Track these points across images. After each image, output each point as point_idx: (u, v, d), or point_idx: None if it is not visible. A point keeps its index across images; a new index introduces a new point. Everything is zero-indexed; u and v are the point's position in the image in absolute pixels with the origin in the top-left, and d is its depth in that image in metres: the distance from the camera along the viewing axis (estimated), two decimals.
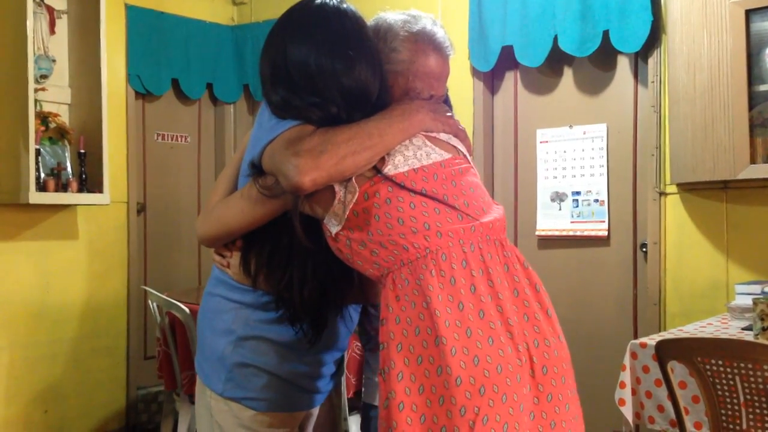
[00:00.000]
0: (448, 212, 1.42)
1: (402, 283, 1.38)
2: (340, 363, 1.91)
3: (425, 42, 1.61)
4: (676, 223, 3.48)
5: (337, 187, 1.43)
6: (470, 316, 1.33)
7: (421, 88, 1.60)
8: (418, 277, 1.36)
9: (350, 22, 1.56)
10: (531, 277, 1.46)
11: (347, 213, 1.42)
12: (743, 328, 2.66)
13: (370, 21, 1.65)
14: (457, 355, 1.29)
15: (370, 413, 2.01)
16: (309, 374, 1.76)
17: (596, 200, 3.79)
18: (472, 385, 1.27)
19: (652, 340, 2.48)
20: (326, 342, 1.78)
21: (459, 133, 1.61)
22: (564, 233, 3.87)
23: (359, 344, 3.08)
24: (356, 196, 1.41)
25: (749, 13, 3.01)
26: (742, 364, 2.09)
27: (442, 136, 1.56)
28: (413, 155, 1.48)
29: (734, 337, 2.45)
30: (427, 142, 1.52)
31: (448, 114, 1.60)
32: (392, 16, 1.65)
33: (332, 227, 1.45)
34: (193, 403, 3.16)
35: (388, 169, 1.43)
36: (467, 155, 1.59)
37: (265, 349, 1.70)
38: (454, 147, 1.56)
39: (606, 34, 3.53)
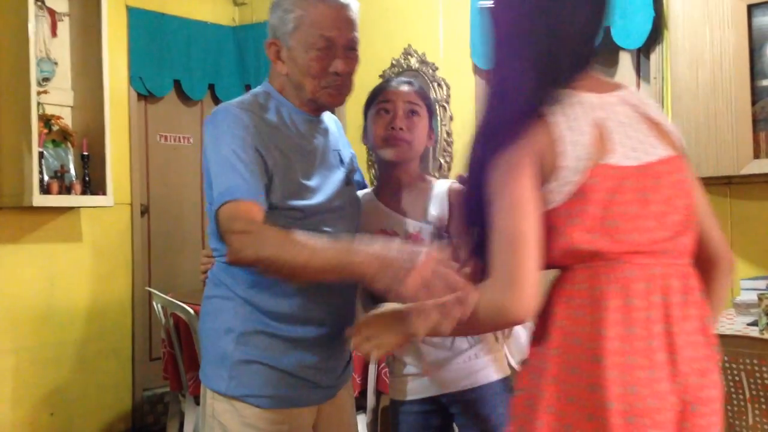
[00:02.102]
0: (652, 226, 1.32)
1: (579, 283, 1.30)
2: (349, 358, 1.91)
3: None
4: None
5: (564, 163, 1.30)
6: (637, 344, 1.26)
7: (318, 35, 1.70)
8: (595, 286, 1.29)
9: None
10: (704, 309, 1.37)
11: (568, 191, 1.29)
12: (749, 324, 2.66)
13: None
14: (615, 380, 1.24)
15: (399, 409, 1.99)
16: (315, 365, 1.75)
17: None
18: (625, 412, 1.23)
19: None
20: (331, 332, 1.78)
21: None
22: None
23: None
24: (584, 176, 1.29)
25: (751, 8, 3.00)
26: (748, 360, 2.09)
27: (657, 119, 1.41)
28: (639, 145, 1.35)
29: (740, 333, 2.45)
30: (649, 132, 1.38)
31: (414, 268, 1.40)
32: None
33: (549, 203, 1.31)
34: (198, 404, 3.16)
35: (617, 159, 1.31)
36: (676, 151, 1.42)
37: (267, 343, 1.71)
38: (672, 140, 1.41)
39: (607, 30, 3.52)
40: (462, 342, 1.93)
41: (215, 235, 1.73)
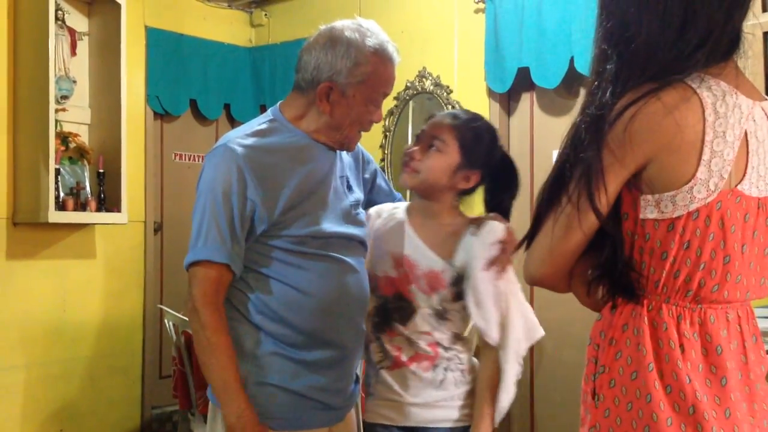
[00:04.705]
0: (752, 271, 1.23)
1: (663, 323, 1.20)
2: (356, 379, 1.91)
3: (382, 53, 1.78)
4: None
5: (701, 174, 1.17)
6: (730, 396, 1.20)
7: (381, 93, 1.79)
8: (682, 331, 1.20)
9: None
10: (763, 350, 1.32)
11: (686, 207, 1.18)
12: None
13: (322, 29, 1.79)
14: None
15: (375, 431, 1.96)
16: (326, 387, 1.76)
17: None
18: None
19: None
20: (341, 355, 1.79)
21: None
22: None
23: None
24: (713, 198, 1.18)
25: (767, 36, 3.00)
26: None
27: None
28: (766, 173, 1.23)
29: None
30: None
31: None
32: (347, 27, 1.77)
33: (651, 213, 1.20)
34: None
35: (746, 186, 1.20)
36: None
37: (280, 366, 1.72)
38: None
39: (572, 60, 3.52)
40: (450, 383, 1.92)
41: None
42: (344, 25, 1.77)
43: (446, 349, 1.92)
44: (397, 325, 1.91)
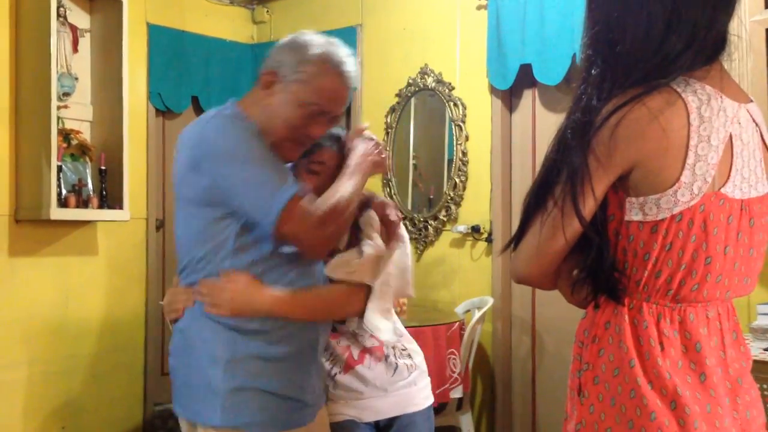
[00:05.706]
0: (736, 271, 1.24)
1: (643, 321, 1.22)
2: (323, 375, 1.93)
3: (333, 65, 1.74)
4: None
5: (685, 178, 1.18)
6: (711, 392, 1.21)
7: (315, 103, 1.72)
8: (662, 330, 1.22)
9: None
10: (744, 346, 1.33)
11: (671, 211, 1.18)
12: (765, 349, 2.63)
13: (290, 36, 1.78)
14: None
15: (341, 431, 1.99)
16: (300, 384, 1.76)
17: None
18: None
19: None
20: (309, 347, 1.79)
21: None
22: None
23: None
24: (697, 201, 1.19)
25: None
26: (765, 386, 2.06)
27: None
28: (750, 175, 1.24)
29: (756, 358, 2.42)
30: (761, 161, 1.28)
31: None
32: (315, 36, 1.78)
33: (636, 215, 1.21)
34: None
35: (730, 189, 1.21)
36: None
37: (255, 366, 1.70)
38: None
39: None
40: (403, 370, 2.00)
41: (196, 265, 1.82)
42: (311, 34, 1.78)
43: None
44: (338, 325, 1.97)
